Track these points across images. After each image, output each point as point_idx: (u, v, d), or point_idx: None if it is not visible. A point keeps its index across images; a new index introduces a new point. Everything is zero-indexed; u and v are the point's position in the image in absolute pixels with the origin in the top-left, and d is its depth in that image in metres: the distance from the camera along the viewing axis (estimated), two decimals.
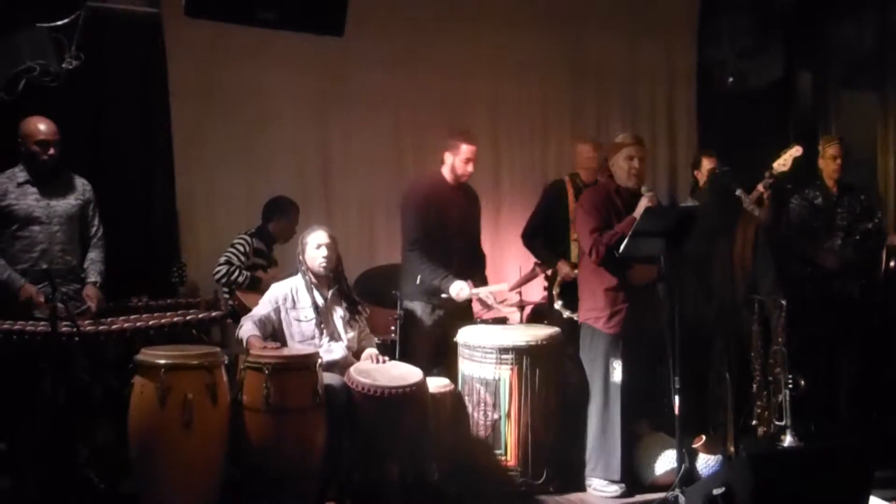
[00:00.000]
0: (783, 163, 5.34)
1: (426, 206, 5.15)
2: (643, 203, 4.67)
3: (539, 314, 6.02)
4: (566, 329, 5.19)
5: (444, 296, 5.06)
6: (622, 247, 4.49)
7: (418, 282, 5.10)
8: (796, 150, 5.33)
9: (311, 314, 4.71)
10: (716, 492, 3.88)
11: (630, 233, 4.44)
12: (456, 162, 5.17)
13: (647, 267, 4.79)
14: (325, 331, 4.72)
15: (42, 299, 4.46)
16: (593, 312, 4.90)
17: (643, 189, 4.78)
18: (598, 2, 7.08)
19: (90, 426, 4.60)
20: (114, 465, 4.55)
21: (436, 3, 6.62)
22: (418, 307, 5.18)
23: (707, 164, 6.14)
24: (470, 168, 5.19)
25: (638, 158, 4.84)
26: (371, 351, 4.80)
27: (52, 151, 4.64)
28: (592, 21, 7.07)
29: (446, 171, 5.23)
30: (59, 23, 4.25)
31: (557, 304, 5.60)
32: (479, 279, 5.37)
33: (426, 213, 5.14)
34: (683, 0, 7.34)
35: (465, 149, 5.15)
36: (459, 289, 5.01)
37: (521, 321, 5.86)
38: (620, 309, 4.81)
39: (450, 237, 5.20)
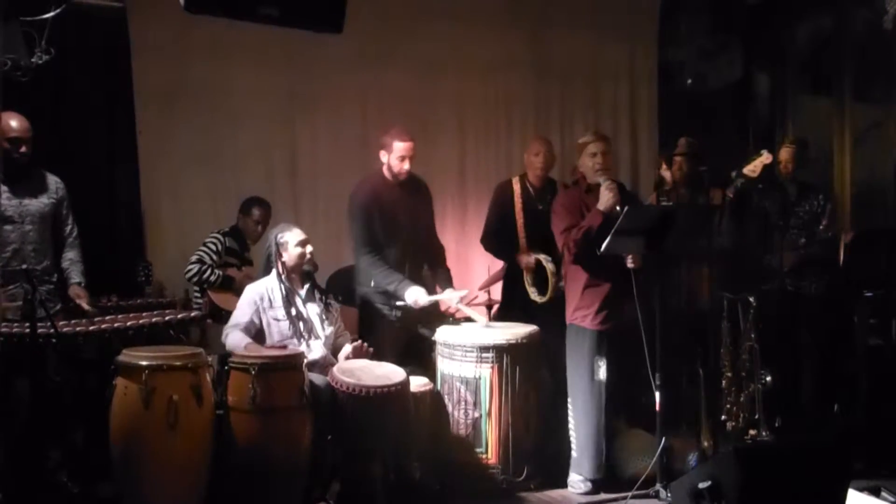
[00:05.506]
0: (753, 169, 5.45)
1: (370, 207, 5.09)
2: (604, 192, 4.72)
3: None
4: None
5: (399, 303, 5.03)
6: (604, 245, 4.53)
7: (372, 285, 5.08)
8: (766, 158, 5.44)
9: (288, 314, 4.66)
10: (702, 485, 3.94)
11: (613, 231, 4.49)
12: (391, 160, 5.09)
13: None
14: (303, 329, 4.68)
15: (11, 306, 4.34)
16: (579, 311, 4.93)
17: (600, 179, 4.81)
18: (562, 3, 7.11)
19: (61, 429, 4.50)
20: (87, 468, 4.46)
21: (403, 3, 6.59)
22: (378, 308, 5.15)
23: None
24: (406, 166, 5.09)
25: (601, 153, 4.88)
26: (349, 347, 4.76)
27: (24, 149, 4.52)
28: (556, 22, 7.12)
29: (385, 170, 5.18)
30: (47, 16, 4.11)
31: (532, 294, 5.60)
32: (441, 272, 5.35)
33: (371, 215, 5.09)
34: (645, 2, 7.43)
35: (399, 146, 5.05)
36: (416, 297, 4.97)
37: (489, 320, 5.86)
38: (604, 305, 4.84)
39: (399, 236, 5.16)
